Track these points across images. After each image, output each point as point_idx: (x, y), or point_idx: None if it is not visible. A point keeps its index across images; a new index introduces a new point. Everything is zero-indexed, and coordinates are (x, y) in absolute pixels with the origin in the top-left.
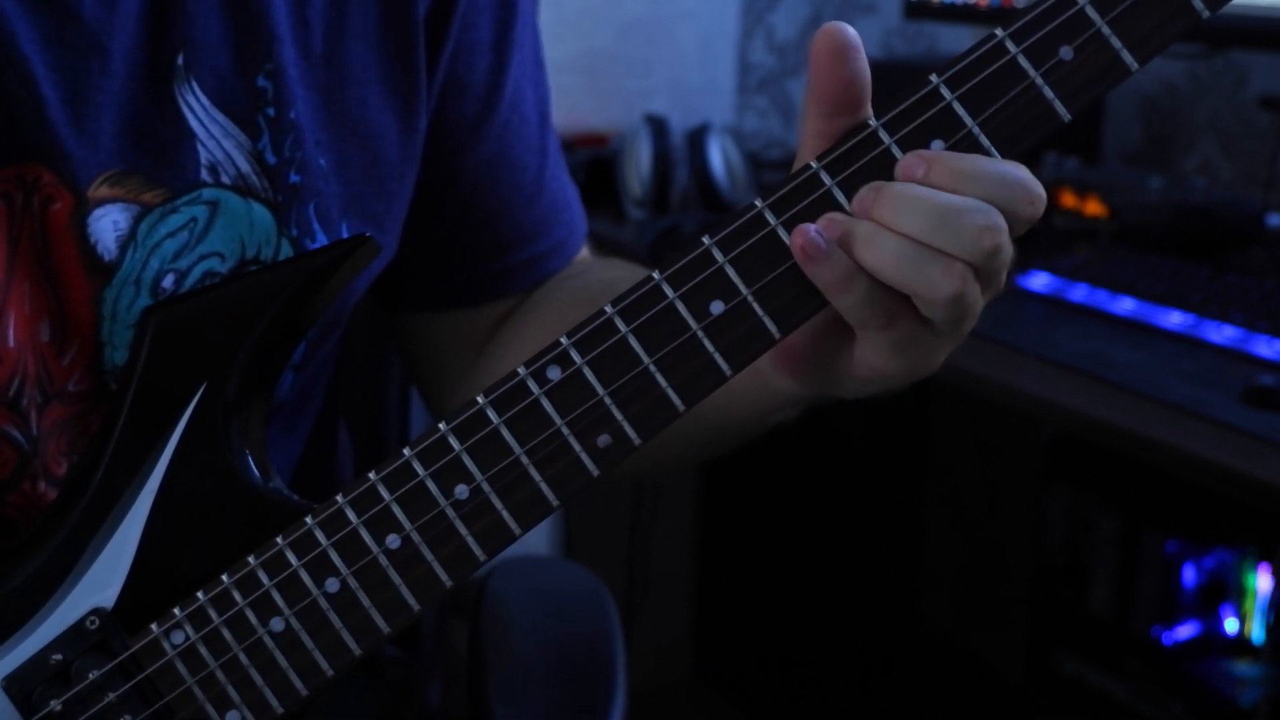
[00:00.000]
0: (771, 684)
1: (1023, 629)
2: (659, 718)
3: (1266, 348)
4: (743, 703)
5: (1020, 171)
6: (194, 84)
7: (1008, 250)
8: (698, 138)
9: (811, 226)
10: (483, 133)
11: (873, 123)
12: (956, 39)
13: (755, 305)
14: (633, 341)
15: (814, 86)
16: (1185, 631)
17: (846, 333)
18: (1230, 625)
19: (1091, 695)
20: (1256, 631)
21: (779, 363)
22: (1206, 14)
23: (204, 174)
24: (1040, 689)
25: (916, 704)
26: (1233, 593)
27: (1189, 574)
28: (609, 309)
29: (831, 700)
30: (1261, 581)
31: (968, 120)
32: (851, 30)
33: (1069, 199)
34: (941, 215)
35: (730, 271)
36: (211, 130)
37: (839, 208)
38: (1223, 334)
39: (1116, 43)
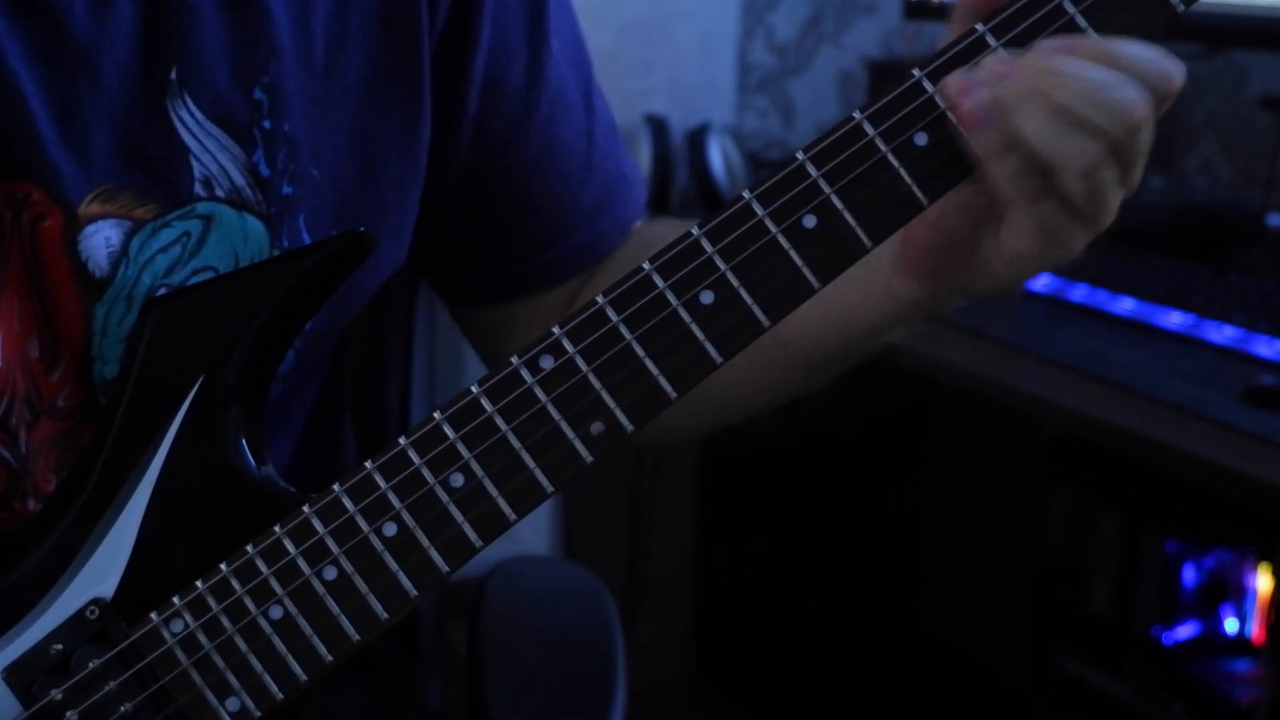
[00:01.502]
0: (771, 684)
1: (1023, 629)
2: (659, 718)
3: (1266, 348)
4: (743, 703)
5: (1155, 51)
6: (187, 98)
7: (1149, 130)
8: (698, 138)
9: (973, 94)
10: (528, 129)
11: (857, 115)
12: None
13: (744, 295)
14: (624, 331)
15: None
16: (1185, 631)
17: (986, 228)
18: (1230, 625)
19: (1091, 695)
20: (1256, 631)
21: (904, 268)
22: (1181, 8)
23: (198, 188)
24: (1040, 689)
25: (917, 704)
26: (1233, 593)
27: (1189, 574)
28: (600, 299)
29: (832, 700)
30: (1261, 581)
31: (949, 114)
32: None
33: None
34: (1093, 87)
35: (719, 261)
36: (205, 144)
37: (824, 198)
38: (1223, 334)
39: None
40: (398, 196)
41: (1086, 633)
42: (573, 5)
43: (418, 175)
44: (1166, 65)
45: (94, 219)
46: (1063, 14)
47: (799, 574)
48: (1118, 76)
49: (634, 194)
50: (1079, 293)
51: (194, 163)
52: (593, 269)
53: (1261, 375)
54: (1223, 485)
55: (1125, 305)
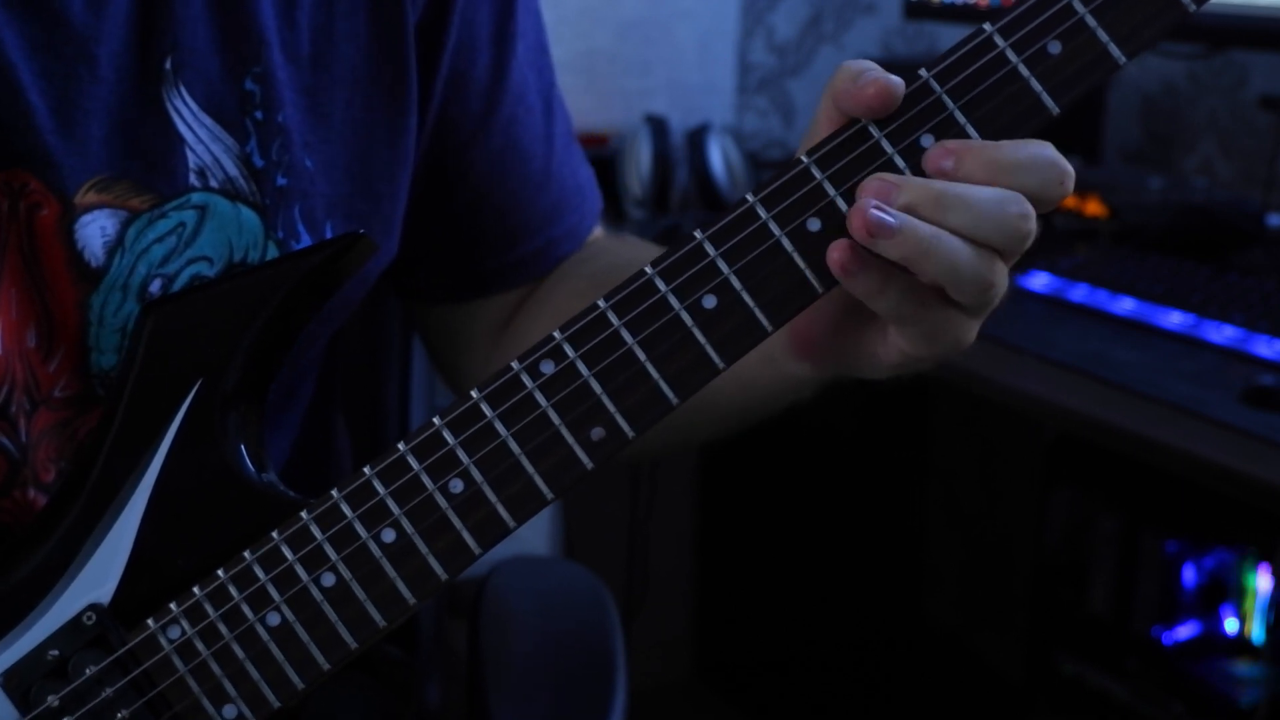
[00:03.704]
0: (772, 684)
1: (1023, 629)
2: (659, 718)
3: (1266, 348)
4: (743, 703)
5: (1047, 152)
6: (182, 88)
7: (1036, 229)
8: (698, 138)
9: (844, 243)
10: (489, 127)
11: (868, 124)
12: (956, 39)
13: (747, 299)
14: (625, 335)
15: (843, 104)
16: (1185, 631)
17: (871, 322)
18: (1230, 625)
19: (1091, 695)
20: (1256, 631)
21: (794, 351)
22: (1193, 8)
23: (192, 178)
24: (1040, 689)
25: (917, 704)
26: (1233, 593)
27: (1189, 574)
28: (602, 303)
29: (832, 700)
30: (1261, 581)
31: (957, 114)
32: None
33: (1069, 199)
34: (982, 210)
35: (722, 265)
36: (200, 134)
37: (829, 201)
38: (1223, 334)
39: (1104, 36)
40: (388, 186)
41: (1086, 633)
42: (540, 14)
43: (406, 164)
44: (1058, 166)
45: (90, 208)
46: (1077, 17)
47: (799, 574)
48: (1005, 193)
49: (589, 204)
50: (1079, 293)
51: (189, 153)
52: (545, 275)
53: (1261, 375)
54: (1223, 485)
55: (1125, 305)
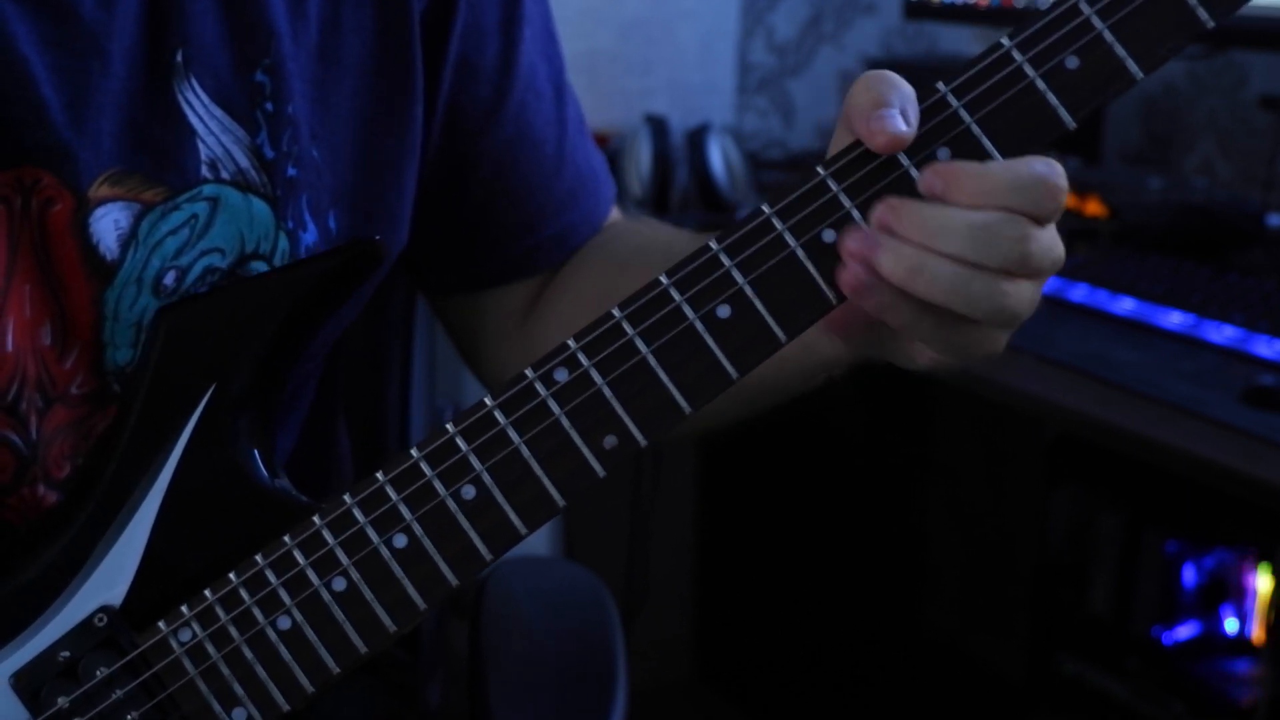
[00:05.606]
0: (772, 684)
1: (1024, 629)
2: (659, 718)
3: (1266, 348)
4: (743, 703)
5: (1035, 169)
6: (193, 81)
7: (1042, 246)
8: (698, 138)
9: (855, 265)
10: (500, 115)
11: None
12: (956, 39)
13: (762, 310)
14: (639, 345)
15: (855, 129)
16: (1185, 631)
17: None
18: (1230, 625)
19: (1091, 695)
20: (1256, 631)
21: (833, 332)
22: (1211, 23)
23: (204, 170)
24: (1041, 689)
25: (917, 704)
26: (1233, 593)
27: (1189, 574)
28: (617, 312)
29: (832, 701)
30: (1261, 581)
31: (973, 128)
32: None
33: (1069, 199)
34: (974, 235)
35: (737, 276)
36: (211, 126)
37: (845, 213)
38: (1223, 334)
39: (1121, 51)
40: (394, 176)
41: (1087, 633)
42: (548, 1)
43: (413, 156)
44: (1045, 181)
45: (103, 202)
46: (1095, 32)
47: (799, 574)
48: (996, 216)
49: (604, 189)
50: (1079, 293)
51: (200, 145)
52: (563, 261)
53: (1261, 375)
54: (1223, 485)
55: (1125, 305)
